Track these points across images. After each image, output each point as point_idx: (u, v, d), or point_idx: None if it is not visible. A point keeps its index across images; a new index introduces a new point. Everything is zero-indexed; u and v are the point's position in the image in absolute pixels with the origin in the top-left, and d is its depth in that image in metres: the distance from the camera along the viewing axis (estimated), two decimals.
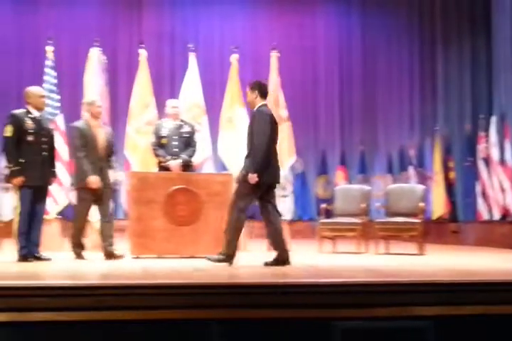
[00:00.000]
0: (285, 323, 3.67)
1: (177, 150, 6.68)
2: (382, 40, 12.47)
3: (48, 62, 7.89)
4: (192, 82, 8.18)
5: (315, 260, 6.21)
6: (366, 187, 8.04)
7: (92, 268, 5.23)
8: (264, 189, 5.47)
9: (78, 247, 6.10)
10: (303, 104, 12.17)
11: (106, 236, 5.99)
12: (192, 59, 8.30)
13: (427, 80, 12.24)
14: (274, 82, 7.99)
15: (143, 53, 8.15)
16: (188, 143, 6.75)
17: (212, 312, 3.58)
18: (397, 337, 3.70)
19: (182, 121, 6.90)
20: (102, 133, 6.14)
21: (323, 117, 12.47)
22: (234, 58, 8.15)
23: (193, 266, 5.18)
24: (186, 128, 6.80)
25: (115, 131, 9.46)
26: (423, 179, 10.78)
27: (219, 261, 5.27)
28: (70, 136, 6.30)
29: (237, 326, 3.62)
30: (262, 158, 5.27)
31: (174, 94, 11.03)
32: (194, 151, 6.85)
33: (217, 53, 12.08)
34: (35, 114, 5.75)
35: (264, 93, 5.43)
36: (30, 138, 5.63)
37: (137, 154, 7.77)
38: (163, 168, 6.66)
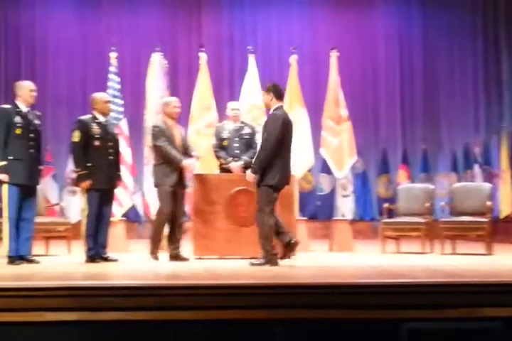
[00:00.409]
0: (350, 324, 3.65)
1: (238, 151, 6.73)
2: (443, 41, 12.24)
3: (112, 68, 8.08)
4: (252, 83, 8.22)
5: (379, 260, 6.13)
6: (430, 186, 7.90)
7: (157, 268, 5.32)
8: (278, 191, 5.52)
9: (157, 247, 6.04)
10: (363, 103, 12.05)
11: (174, 239, 6.02)
12: (251, 61, 8.35)
13: (492, 80, 11.98)
14: (333, 81, 7.95)
15: (203, 56, 8.25)
16: (249, 144, 6.80)
17: (277, 312, 3.59)
18: (465, 338, 3.62)
19: (243, 122, 6.95)
20: (178, 133, 6.15)
21: (383, 116, 12.30)
22: (293, 59, 8.15)
23: (255, 267, 5.20)
24: (247, 130, 6.85)
25: None
26: (489, 177, 10.50)
27: (262, 265, 5.33)
28: (146, 136, 6.27)
29: (300, 326, 3.62)
30: (265, 159, 5.36)
31: (234, 96, 11.12)
32: (255, 153, 6.87)
33: (276, 54, 12.10)
34: (101, 119, 5.89)
35: (279, 95, 5.54)
36: (96, 142, 5.77)
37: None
38: (225, 169, 6.73)
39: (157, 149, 6.04)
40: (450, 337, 3.65)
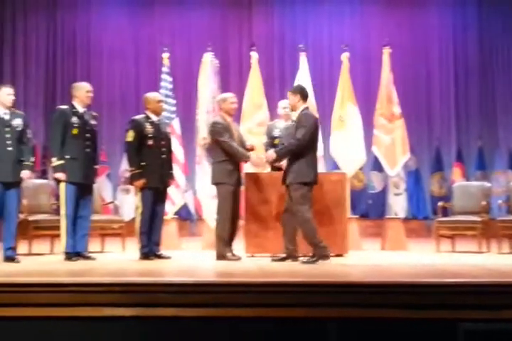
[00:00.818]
0: (405, 324, 3.60)
1: None
2: (499, 39, 11.97)
3: (164, 69, 8.18)
4: (303, 81, 8.19)
5: (433, 259, 6.03)
6: (486, 184, 7.72)
7: (209, 266, 5.36)
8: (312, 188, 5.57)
9: (226, 246, 5.83)
10: (416, 100, 11.87)
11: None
12: (303, 59, 8.32)
13: None
14: (386, 78, 7.86)
15: (254, 56, 8.27)
16: None
17: (330, 310, 3.57)
18: None
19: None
20: (236, 130, 6.10)
21: (437, 113, 12.08)
22: (345, 57, 8.08)
23: (308, 265, 5.19)
24: None
25: None
26: None
27: (314, 262, 5.35)
28: (208, 132, 6.13)
29: (354, 325, 3.59)
30: (295, 149, 5.48)
31: (285, 94, 11.09)
32: None
33: (327, 52, 12.04)
34: (154, 118, 5.97)
35: (305, 96, 5.66)
36: (150, 142, 5.84)
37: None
38: (276, 167, 6.73)
39: (221, 146, 5.88)
40: (507, 339, 3.56)
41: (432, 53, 12.12)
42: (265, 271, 4.78)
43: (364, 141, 7.96)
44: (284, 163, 6.58)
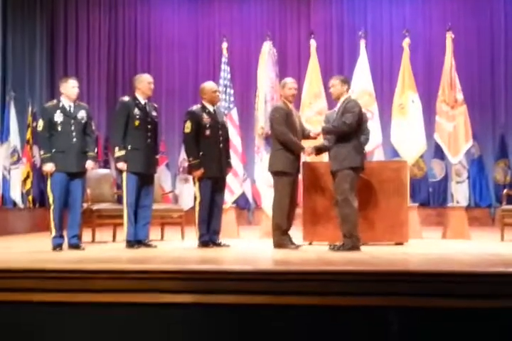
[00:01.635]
0: (468, 313, 3.53)
1: None
2: None
3: (223, 59, 8.21)
4: (362, 69, 8.10)
5: (497, 248, 5.87)
6: None
7: (268, 254, 5.39)
8: (360, 173, 5.68)
9: (284, 234, 5.80)
10: (480, 86, 11.57)
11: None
12: (362, 46, 8.21)
13: None
14: (448, 64, 7.67)
15: (313, 44, 8.21)
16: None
17: (390, 299, 3.53)
18: None
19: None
20: (297, 117, 6.05)
21: (502, 99, 11.73)
22: (406, 43, 7.92)
23: (368, 253, 5.15)
24: None
25: None
26: None
27: (347, 250, 5.37)
28: (270, 118, 6.02)
29: (415, 314, 3.54)
30: (341, 131, 5.58)
31: None
32: (367, 139, 6.78)
33: (387, 39, 11.86)
34: (210, 108, 6.00)
35: (349, 87, 5.93)
36: (207, 132, 5.89)
37: (308, 143, 7.85)
38: None
39: (276, 135, 5.85)
40: None
41: (497, 38, 11.76)
42: (323, 259, 4.77)
43: (425, 128, 7.82)
44: None
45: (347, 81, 5.82)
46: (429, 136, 7.99)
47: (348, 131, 5.55)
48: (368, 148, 7.10)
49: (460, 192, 7.95)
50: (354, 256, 4.94)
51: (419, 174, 10.95)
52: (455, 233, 7.27)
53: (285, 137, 5.78)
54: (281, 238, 5.77)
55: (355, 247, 5.43)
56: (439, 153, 10.34)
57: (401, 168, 6.32)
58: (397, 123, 7.76)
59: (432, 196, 11.09)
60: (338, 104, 5.75)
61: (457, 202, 7.69)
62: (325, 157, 7.08)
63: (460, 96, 7.63)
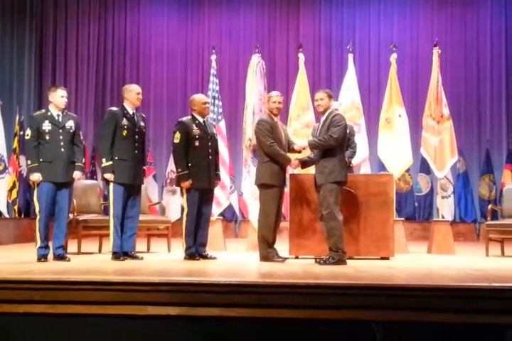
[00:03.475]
0: (452, 328, 3.55)
1: None
2: None
3: (212, 70, 8.23)
4: (350, 83, 8.17)
5: (482, 263, 5.91)
6: None
7: (254, 267, 5.38)
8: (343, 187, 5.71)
9: (270, 247, 5.79)
10: (466, 101, 11.68)
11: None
12: (350, 60, 8.28)
13: None
14: (435, 79, 7.74)
15: (301, 57, 8.27)
16: (347, 145, 6.76)
17: (374, 313, 3.55)
18: None
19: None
20: (282, 130, 6.01)
21: (487, 115, 11.82)
22: (393, 58, 8.00)
23: (353, 267, 5.16)
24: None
25: None
26: None
27: (332, 264, 5.40)
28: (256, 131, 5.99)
29: (400, 328, 3.56)
30: (327, 145, 5.60)
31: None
32: (354, 153, 6.87)
33: (375, 53, 11.96)
34: (200, 120, 6.02)
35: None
36: (196, 143, 5.89)
37: (294, 156, 7.88)
38: None
39: (263, 147, 5.84)
40: None
41: (483, 53, 11.89)
42: (309, 272, 4.78)
43: (411, 142, 7.88)
44: None
45: (333, 96, 5.91)
46: (415, 150, 8.06)
47: (335, 145, 5.60)
48: (354, 161, 7.16)
49: (445, 207, 7.99)
50: (340, 270, 4.95)
51: (405, 188, 11.01)
52: (440, 248, 7.31)
53: (271, 149, 5.78)
54: (267, 251, 5.76)
55: (341, 261, 5.46)
56: (425, 167, 10.42)
57: (387, 181, 6.35)
58: (384, 137, 7.82)
59: (417, 210, 11.14)
60: (323, 118, 5.78)
61: (442, 217, 7.73)
62: (312, 169, 7.13)
63: (446, 111, 7.71)
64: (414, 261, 6.19)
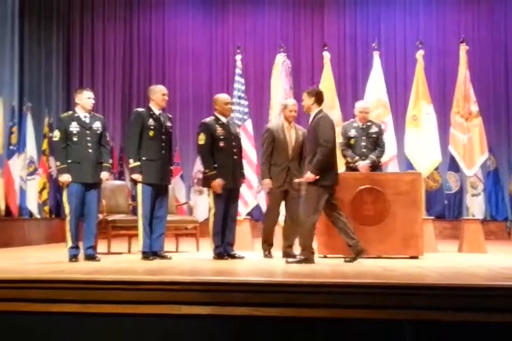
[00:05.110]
0: (482, 326, 3.51)
1: (365, 150, 6.73)
2: None
3: (237, 70, 8.24)
4: (376, 81, 8.12)
5: None
6: None
7: (281, 266, 5.37)
8: (331, 191, 5.58)
9: (270, 246, 6.24)
10: (495, 98, 11.52)
11: (287, 236, 6.09)
12: (376, 58, 8.23)
13: None
14: (463, 76, 7.66)
15: (326, 55, 8.24)
16: (376, 143, 6.78)
17: (405, 312, 3.52)
18: None
19: (370, 121, 6.91)
20: (293, 136, 6.15)
21: None
22: (420, 54, 7.92)
23: (381, 266, 5.13)
24: (374, 129, 6.82)
25: None
26: None
27: (299, 262, 5.39)
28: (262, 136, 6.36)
29: (430, 328, 3.52)
30: (326, 159, 5.43)
31: (357, 94, 11.04)
32: (382, 152, 6.85)
33: (401, 50, 11.87)
34: (223, 120, 6.02)
35: (320, 100, 5.64)
36: (221, 143, 5.90)
37: None
38: (351, 168, 6.72)
39: (262, 154, 6.26)
40: None
41: (511, 50, 11.70)
42: (337, 271, 4.76)
43: (440, 140, 7.80)
44: (360, 163, 6.59)
45: (314, 93, 5.63)
46: (443, 147, 7.97)
47: (328, 150, 5.43)
48: (382, 159, 7.11)
49: (476, 205, 7.90)
50: (368, 269, 4.92)
51: (434, 186, 10.90)
52: (471, 246, 7.22)
53: (262, 160, 6.19)
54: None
55: (307, 260, 5.42)
56: (454, 165, 10.30)
57: (416, 180, 6.29)
58: (411, 134, 7.75)
59: (447, 209, 11.02)
60: (310, 119, 5.68)
61: (473, 215, 7.64)
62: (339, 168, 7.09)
63: (475, 108, 7.62)
64: (444, 260, 6.13)
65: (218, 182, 5.80)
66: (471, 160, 7.52)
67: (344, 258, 5.66)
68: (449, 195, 11.04)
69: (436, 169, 9.66)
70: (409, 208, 6.13)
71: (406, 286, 3.77)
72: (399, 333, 3.55)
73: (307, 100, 5.62)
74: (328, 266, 5.18)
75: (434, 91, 10.26)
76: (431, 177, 10.45)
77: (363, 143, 6.77)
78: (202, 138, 5.89)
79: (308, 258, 5.43)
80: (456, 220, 10.04)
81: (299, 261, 5.40)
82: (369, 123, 6.87)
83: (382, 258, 5.92)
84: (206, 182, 5.95)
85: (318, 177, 5.42)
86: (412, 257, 6.08)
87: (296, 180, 5.81)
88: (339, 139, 6.99)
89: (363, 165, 6.62)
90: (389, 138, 7.68)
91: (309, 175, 5.45)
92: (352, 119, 7.05)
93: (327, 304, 3.62)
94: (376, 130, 6.83)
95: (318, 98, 5.63)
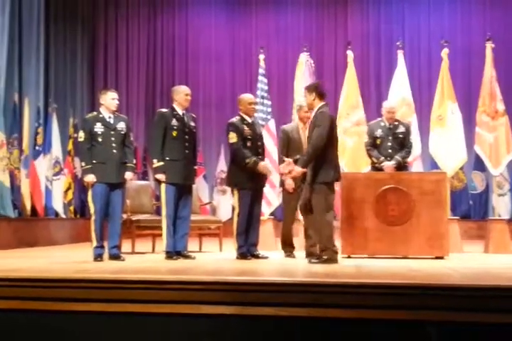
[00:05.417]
0: (507, 328, 3.45)
1: (391, 151, 6.67)
2: None
3: (261, 70, 8.24)
4: (400, 80, 8.06)
5: None
6: None
7: (305, 266, 5.35)
8: (333, 188, 5.51)
9: (290, 246, 6.30)
10: None
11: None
12: (400, 56, 8.17)
13: None
14: (488, 74, 7.58)
15: (350, 54, 8.20)
16: (402, 143, 6.71)
17: (430, 313, 3.48)
18: None
19: (397, 121, 6.83)
20: (305, 136, 6.04)
21: None
22: (445, 53, 7.84)
23: (407, 266, 5.09)
24: (401, 129, 6.76)
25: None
26: None
27: (322, 263, 5.33)
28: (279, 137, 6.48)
29: (455, 329, 3.48)
30: (312, 157, 5.35)
31: (381, 93, 10.97)
32: (409, 152, 6.78)
33: (425, 49, 11.77)
34: (248, 120, 6.01)
35: (321, 94, 5.49)
36: (248, 143, 5.90)
37: (346, 155, 7.83)
38: (377, 168, 6.67)
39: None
40: None
41: None
42: (362, 271, 4.73)
43: (465, 139, 7.71)
44: (385, 164, 6.54)
45: (314, 88, 5.53)
46: (469, 147, 7.89)
47: (319, 146, 5.34)
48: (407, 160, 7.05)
49: (502, 205, 7.81)
50: (394, 270, 4.89)
51: (459, 186, 10.79)
52: (497, 247, 7.13)
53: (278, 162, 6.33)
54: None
55: (330, 260, 5.35)
56: (479, 164, 10.17)
57: (441, 179, 6.23)
58: (436, 134, 7.68)
59: (472, 209, 10.90)
60: (312, 114, 5.60)
61: (499, 215, 7.54)
62: (364, 168, 7.05)
63: (501, 107, 7.53)
64: (469, 261, 6.06)
65: (265, 166, 5.83)
66: (497, 160, 7.43)
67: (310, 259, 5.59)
68: (474, 194, 10.91)
69: (461, 168, 9.56)
70: (435, 208, 6.07)
71: (432, 287, 3.73)
72: (424, 334, 3.51)
73: (308, 96, 5.54)
74: (353, 266, 5.15)
75: (459, 90, 10.14)
76: (456, 176, 10.34)
77: (389, 144, 6.70)
78: (232, 137, 5.87)
79: (331, 258, 5.39)
80: (482, 220, 9.92)
81: (322, 262, 5.36)
82: (396, 123, 6.80)
83: (407, 259, 5.87)
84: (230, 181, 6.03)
85: (305, 170, 5.38)
86: (437, 257, 6.03)
87: (283, 178, 5.76)
88: (364, 138, 6.96)
89: (387, 166, 6.57)
90: (413, 138, 7.62)
91: (296, 169, 5.43)
92: (379, 118, 6.98)
93: (351, 304, 3.60)
94: (403, 130, 6.76)
95: (319, 92, 5.51)
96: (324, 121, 5.38)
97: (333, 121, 5.52)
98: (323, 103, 5.50)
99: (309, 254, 5.89)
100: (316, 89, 5.51)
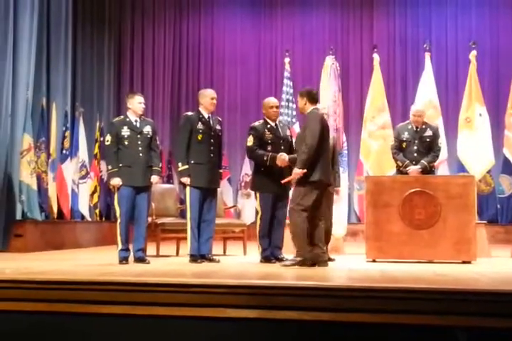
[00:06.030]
0: None
1: (416, 155, 6.57)
2: None
3: (286, 73, 8.23)
4: (427, 82, 7.99)
5: None
6: None
7: (330, 270, 5.32)
8: (322, 189, 5.47)
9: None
10: None
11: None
12: (427, 59, 8.10)
13: None
14: None
15: (376, 57, 8.15)
16: (429, 147, 6.60)
17: (458, 318, 3.43)
18: None
19: (425, 124, 6.73)
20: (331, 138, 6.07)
21: None
22: (473, 55, 7.75)
23: (433, 271, 5.03)
24: (429, 132, 6.64)
25: (352, 136, 9.65)
26: None
27: (294, 265, 5.30)
28: None
29: (484, 334, 3.43)
30: (310, 156, 5.33)
31: (407, 96, 10.89)
32: (436, 157, 6.67)
33: (452, 52, 11.65)
34: (272, 123, 6.02)
35: (312, 99, 5.57)
36: (269, 148, 5.91)
37: (371, 158, 7.79)
38: (402, 172, 6.60)
39: None
40: None
41: None
42: (386, 276, 4.68)
43: (493, 142, 7.61)
44: (411, 168, 6.46)
45: (306, 93, 5.58)
46: (496, 150, 7.78)
47: (313, 148, 5.35)
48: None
49: None
50: (418, 274, 4.83)
51: (486, 190, 10.64)
52: None
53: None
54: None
55: (302, 262, 5.34)
56: (507, 167, 10.02)
57: (468, 183, 6.15)
58: (464, 137, 7.60)
59: (500, 213, 10.74)
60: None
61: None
62: (388, 171, 7.00)
63: None
64: (497, 265, 5.97)
65: (280, 157, 5.75)
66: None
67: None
68: (502, 198, 10.75)
69: (488, 172, 9.44)
70: (462, 212, 5.99)
71: (459, 292, 3.68)
72: (451, 340, 3.46)
73: (300, 101, 5.60)
74: (377, 270, 5.11)
75: (488, 93, 10.04)
76: (483, 180, 10.20)
77: (415, 147, 6.60)
78: (250, 140, 5.92)
79: (304, 260, 5.35)
80: (510, 225, 9.79)
81: (294, 264, 5.34)
82: (424, 127, 6.68)
83: (434, 263, 5.81)
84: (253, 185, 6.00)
85: (305, 170, 5.35)
86: (464, 262, 5.95)
87: (283, 181, 5.70)
88: (390, 141, 6.90)
89: (412, 170, 6.49)
90: (441, 142, 7.54)
91: (296, 171, 5.41)
92: (407, 121, 6.90)
93: (375, 309, 3.56)
94: (430, 133, 6.63)
95: (310, 97, 5.57)
96: (315, 121, 5.44)
97: (324, 122, 5.57)
98: (314, 107, 5.58)
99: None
100: (308, 94, 5.59)
